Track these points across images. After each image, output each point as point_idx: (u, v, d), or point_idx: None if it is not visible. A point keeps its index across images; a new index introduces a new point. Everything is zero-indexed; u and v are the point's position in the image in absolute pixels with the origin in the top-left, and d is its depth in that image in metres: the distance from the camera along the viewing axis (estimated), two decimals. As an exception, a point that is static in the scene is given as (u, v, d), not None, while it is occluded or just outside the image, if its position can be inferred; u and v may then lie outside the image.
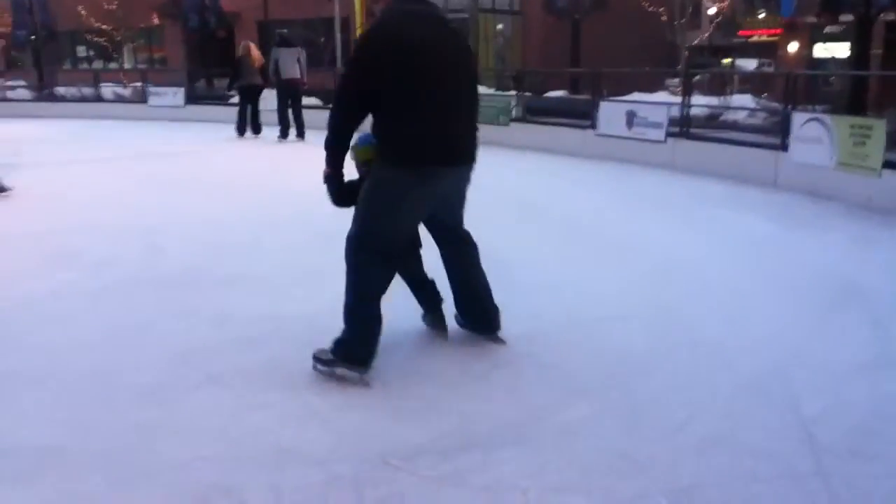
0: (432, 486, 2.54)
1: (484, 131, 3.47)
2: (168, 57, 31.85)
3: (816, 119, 7.93)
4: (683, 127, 10.14)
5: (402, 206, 3.26)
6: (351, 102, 3.21)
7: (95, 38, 30.10)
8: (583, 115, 11.87)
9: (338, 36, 22.74)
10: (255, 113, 14.30)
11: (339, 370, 3.31)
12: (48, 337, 3.86)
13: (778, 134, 8.94)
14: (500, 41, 27.48)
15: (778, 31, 30.04)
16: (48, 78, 26.45)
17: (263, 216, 7.00)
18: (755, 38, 30.36)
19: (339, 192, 3.41)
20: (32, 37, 28.18)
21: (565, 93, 19.30)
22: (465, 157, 3.40)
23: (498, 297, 3.78)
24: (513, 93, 14.09)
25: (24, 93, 23.95)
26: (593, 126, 11.15)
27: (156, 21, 29.51)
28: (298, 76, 13.61)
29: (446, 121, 3.23)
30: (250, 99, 14.23)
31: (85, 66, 33.56)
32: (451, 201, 3.59)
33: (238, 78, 14.05)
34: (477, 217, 3.92)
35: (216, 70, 25.63)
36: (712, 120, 13.99)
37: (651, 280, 4.92)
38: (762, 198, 7.83)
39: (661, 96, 14.62)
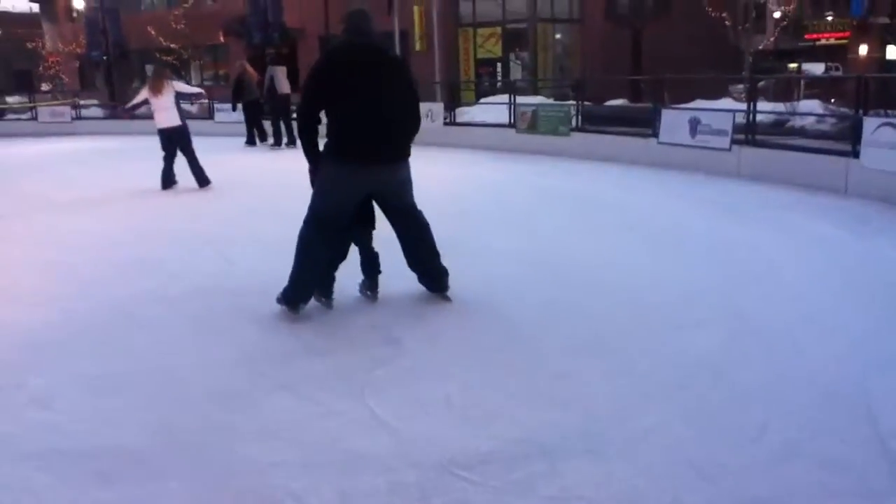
0: (497, 495, 2.56)
1: (544, 141, 3.58)
2: (233, 73, 32.68)
3: (890, 124, 7.68)
4: (749, 134, 9.93)
5: (331, 190, 4.25)
6: (302, 116, 4.22)
7: (164, 57, 31.13)
8: (644, 124, 11.74)
9: (397, 49, 22.99)
10: (261, 124, 15.65)
11: (286, 308, 4.36)
12: (131, 341, 4.05)
13: (848, 140, 8.70)
14: (559, 50, 27.38)
15: (847, 33, 29.18)
16: (120, 96, 27.46)
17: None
18: (822, 42, 29.54)
19: (313, 178, 4.38)
20: (105, 56, 29.31)
21: (626, 101, 19.10)
22: (386, 158, 4.27)
23: (564, 300, 3.79)
24: (572, 102, 14.04)
25: (97, 111, 24.93)
26: (655, 134, 11.02)
27: (221, 39, 30.35)
28: (289, 92, 15.12)
29: (369, 129, 4.12)
30: (256, 112, 15.54)
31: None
32: (390, 189, 4.44)
33: (241, 95, 15.36)
34: (551, 224, 3.91)
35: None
36: (779, 126, 13.67)
37: (722, 286, 4.86)
38: (833, 204, 7.63)
39: (724, 103, 14.34)
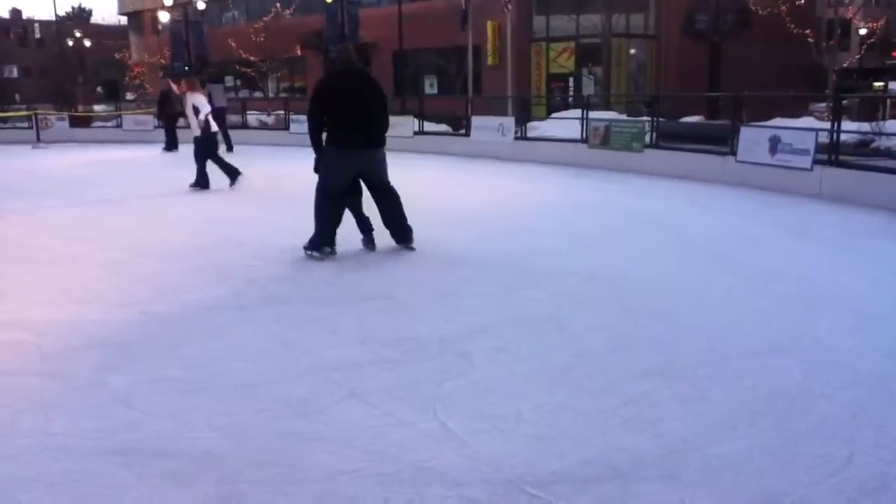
0: (569, 515, 2.51)
1: (617, 157, 3.57)
2: (309, 86, 33.40)
3: None
4: (832, 154, 9.59)
5: (334, 169, 6.17)
6: (311, 119, 6.09)
7: (243, 69, 32.02)
8: (721, 141, 11.48)
9: (469, 64, 23.11)
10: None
11: (314, 253, 6.22)
12: (207, 347, 4.14)
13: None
14: (633, 65, 27.05)
15: (937, 52, 27.96)
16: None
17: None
18: (911, 60, 28.42)
19: (317, 164, 6.24)
20: (186, 67, 30.34)
21: (702, 118, 18.72)
22: (369, 145, 6.17)
23: (635, 322, 3.70)
24: (646, 118, 13.84)
25: (179, 121, 25.78)
26: (733, 152, 10.75)
27: (299, 52, 31.06)
28: (226, 105, 17.99)
29: (354, 128, 6.04)
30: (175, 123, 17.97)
31: (232, 95, 35.82)
32: (371, 167, 6.30)
33: (164, 109, 18.00)
34: (622, 244, 3.84)
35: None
36: (863, 147, 13.18)
37: (801, 311, 4.69)
38: (923, 230, 7.30)
39: (806, 122, 13.92)
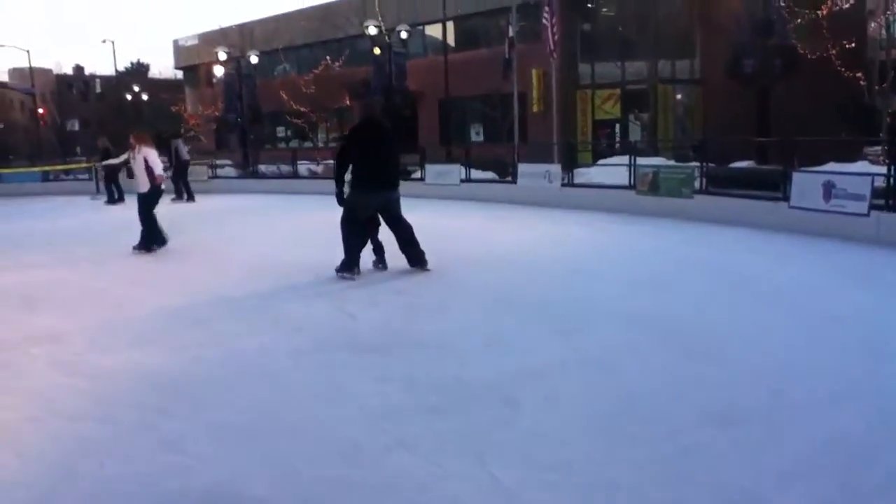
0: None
1: (666, 204, 3.53)
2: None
3: None
4: (889, 199, 9.34)
5: (360, 205, 7.35)
6: (341, 161, 7.35)
7: (294, 120, 32.78)
8: (773, 186, 11.30)
9: (515, 111, 23.31)
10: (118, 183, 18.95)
11: (346, 275, 7.32)
12: (258, 391, 4.17)
13: None
14: (680, 110, 26.95)
15: None
16: (252, 157, 29.09)
17: (448, 280, 7.20)
18: (969, 101, 27.70)
19: (339, 198, 7.41)
20: (239, 119, 31.19)
21: (752, 163, 18.48)
22: (388, 186, 7.44)
23: (689, 369, 3.61)
24: (695, 163, 13.72)
25: (231, 171, 26.49)
26: (786, 198, 10.56)
27: (347, 102, 31.73)
28: (189, 158, 19.73)
29: (378, 170, 7.26)
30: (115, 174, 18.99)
31: (283, 145, 36.63)
32: (389, 205, 7.50)
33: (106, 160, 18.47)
34: (674, 289, 3.78)
35: (401, 146, 27.06)
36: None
37: (865, 358, 4.53)
38: None
39: (860, 166, 13.61)
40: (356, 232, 7.44)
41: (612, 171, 15.50)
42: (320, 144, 33.94)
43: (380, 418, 3.73)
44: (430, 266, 7.59)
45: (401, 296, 6.69)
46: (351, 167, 7.26)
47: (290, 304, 6.40)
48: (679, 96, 27.05)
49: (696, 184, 12.53)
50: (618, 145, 24.41)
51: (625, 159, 15.10)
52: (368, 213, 7.46)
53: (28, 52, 43.08)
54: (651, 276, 7.45)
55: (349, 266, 7.36)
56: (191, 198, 18.67)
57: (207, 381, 4.37)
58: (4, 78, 57.51)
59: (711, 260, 8.35)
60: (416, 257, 7.60)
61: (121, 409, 3.90)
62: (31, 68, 45.21)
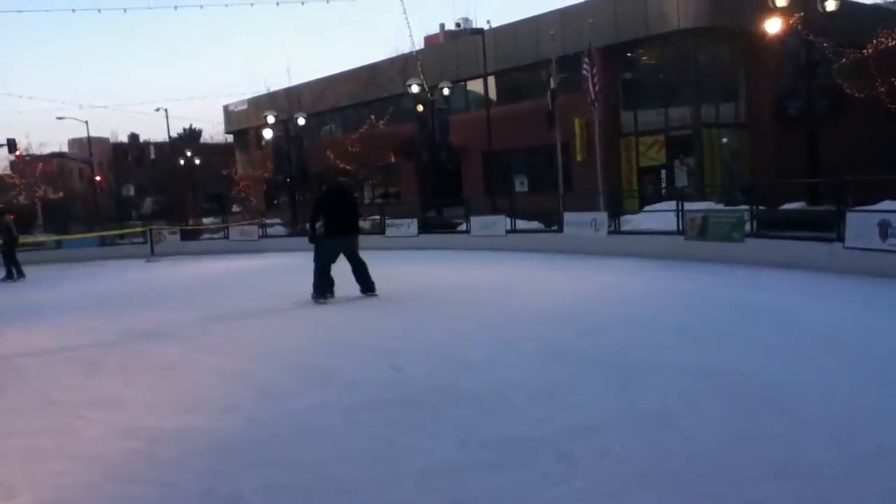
0: None
1: (716, 248, 3.47)
2: (402, 191, 34.48)
3: None
4: (950, 235, 9.07)
5: (328, 251, 10.03)
6: (313, 216, 10.39)
7: (340, 178, 33.39)
8: (826, 227, 11.06)
9: (559, 161, 23.39)
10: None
11: (320, 300, 9.93)
12: (311, 452, 4.16)
13: None
14: (726, 154, 26.69)
15: None
16: (301, 215, 29.66)
17: (496, 334, 7.16)
18: None
19: (311, 240, 10.09)
20: (288, 179, 31.93)
21: (804, 204, 18.13)
22: (348, 233, 10.15)
23: (747, 420, 3.49)
24: (745, 207, 13.53)
25: (281, 229, 27.01)
26: (840, 238, 10.31)
27: (392, 159, 32.26)
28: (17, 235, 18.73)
29: (339, 223, 10.05)
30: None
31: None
32: (349, 247, 10.06)
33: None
34: (729, 337, 3.69)
35: (446, 200, 27.34)
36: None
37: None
38: None
39: (917, 203, 13.26)
40: (324, 269, 10.02)
41: (659, 217, 15.39)
42: (366, 201, 34.42)
43: (431, 476, 3.69)
44: (377, 292, 10.08)
45: (450, 349, 6.67)
46: (322, 219, 10.14)
47: (339, 360, 6.43)
48: (725, 140, 26.85)
49: (747, 227, 12.34)
50: (664, 191, 24.24)
51: (672, 205, 14.98)
52: (335, 253, 10.06)
53: (86, 122, 44.87)
54: (705, 323, 7.30)
55: (317, 294, 9.97)
56: (21, 275, 17.62)
57: (260, 441, 4.38)
58: (64, 148, 60.05)
59: (766, 305, 8.17)
60: (366, 286, 10.13)
61: (177, 473, 3.93)
62: (88, 138, 47.13)
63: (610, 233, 15.36)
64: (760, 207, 13.03)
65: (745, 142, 26.28)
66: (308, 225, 10.19)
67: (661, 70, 26.99)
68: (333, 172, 26.25)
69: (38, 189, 48.44)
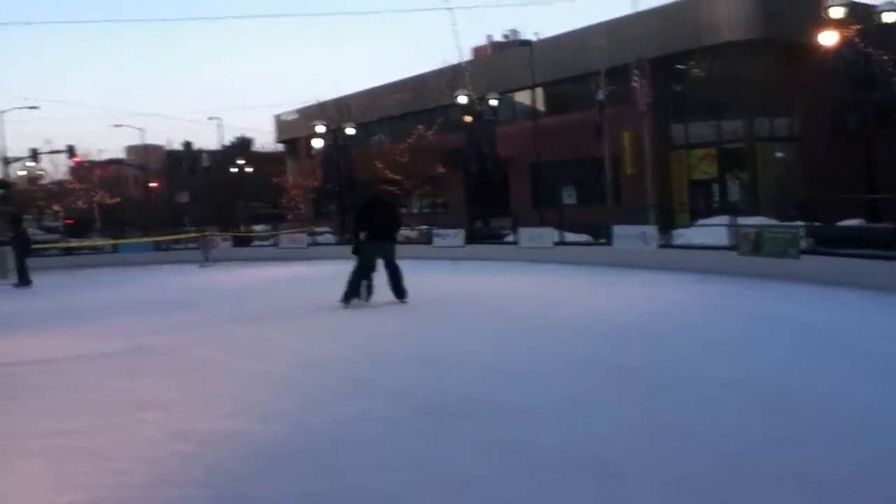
0: None
1: (770, 264, 3.43)
2: (449, 201, 34.55)
3: None
4: None
5: (370, 254, 10.54)
6: (357, 224, 10.94)
7: (388, 188, 33.62)
8: (886, 245, 10.73)
9: (607, 174, 23.18)
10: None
11: (347, 304, 10.36)
12: (353, 458, 4.18)
13: None
14: (780, 168, 26.13)
15: None
16: (349, 224, 29.94)
17: (540, 345, 7.11)
18: None
19: (354, 251, 10.64)
20: (336, 188, 32.28)
21: (862, 220, 17.64)
22: (388, 240, 10.66)
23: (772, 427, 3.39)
24: (801, 223, 13.21)
25: (330, 237, 27.28)
26: (900, 256, 10.00)
27: (440, 170, 32.37)
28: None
29: (381, 228, 10.63)
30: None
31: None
32: (388, 254, 10.50)
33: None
34: (781, 354, 3.61)
35: (493, 211, 27.32)
36: None
37: None
38: None
39: (982, 220, 12.81)
40: (361, 275, 10.50)
41: (711, 231, 15.12)
42: (414, 211, 34.59)
43: (469, 485, 3.68)
44: (407, 300, 10.48)
45: (493, 360, 6.65)
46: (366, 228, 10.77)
47: (381, 369, 6.47)
48: (779, 154, 26.30)
49: (802, 243, 12.04)
50: (716, 205, 23.84)
51: (724, 219, 14.71)
52: (375, 258, 10.57)
53: (142, 130, 46.18)
54: (757, 340, 7.15)
55: (347, 297, 10.40)
56: (27, 282, 17.46)
57: (305, 447, 4.41)
58: (122, 155, 61.70)
59: (821, 323, 7.95)
60: (398, 292, 10.52)
61: (225, 477, 3.97)
62: (144, 146, 48.34)
63: (660, 247, 15.15)
64: (816, 223, 12.69)
65: (799, 156, 25.72)
66: (351, 234, 10.61)
67: (712, 82, 26.57)
68: (374, 184, 26.63)
69: (95, 194, 49.83)
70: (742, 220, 13.93)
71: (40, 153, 41.85)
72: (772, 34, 23.99)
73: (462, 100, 26.79)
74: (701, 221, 18.00)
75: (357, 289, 10.42)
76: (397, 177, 32.46)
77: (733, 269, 12.70)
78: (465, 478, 3.77)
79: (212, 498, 3.70)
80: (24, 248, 17.98)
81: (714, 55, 25.35)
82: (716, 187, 26.16)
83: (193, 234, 27.54)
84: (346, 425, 4.84)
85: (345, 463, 4.10)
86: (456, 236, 21.02)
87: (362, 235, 10.59)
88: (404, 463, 4.06)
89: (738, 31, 24.06)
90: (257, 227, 33.21)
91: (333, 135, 31.64)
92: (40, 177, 52.30)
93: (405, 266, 17.26)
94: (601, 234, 17.93)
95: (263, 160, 53.94)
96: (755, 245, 12.62)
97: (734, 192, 25.45)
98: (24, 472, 4.09)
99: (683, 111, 26.58)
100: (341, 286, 11.23)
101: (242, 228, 32.10)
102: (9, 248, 19.18)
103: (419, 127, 33.21)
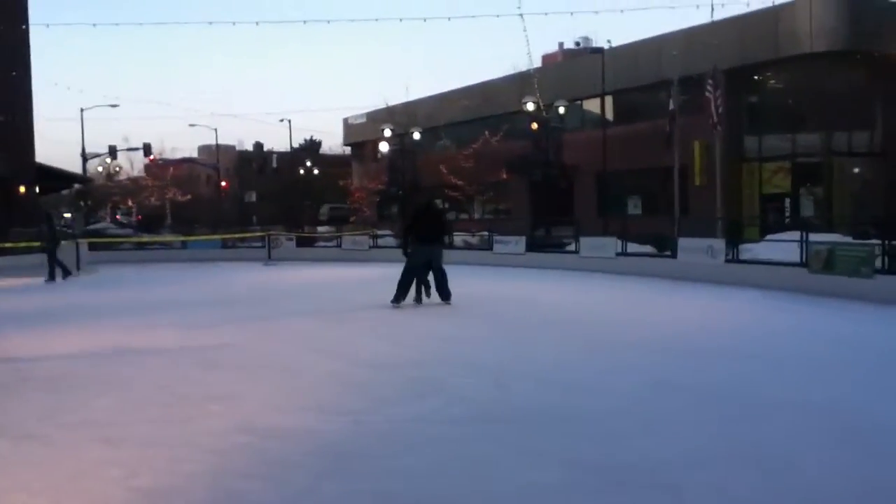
0: None
1: (842, 284, 3.30)
2: (512, 208, 34.48)
3: None
4: None
5: (417, 256, 11.10)
6: (407, 231, 11.71)
7: (451, 193, 33.76)
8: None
9: (675, 184, 22.77)
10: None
11: (398, 305, 10.96)
12: (415, 460, 4.20)
13: None
14: (857, 185, 25.24)
15: None
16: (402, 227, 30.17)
17: (604, 358, 7.04)
18: None
19: (404, 250, 11.23)
20: (400, 192, 32.59)
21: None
22: (436, 244, 11.37)
23: (877, 469, 3.26)
24: (876, 241, 12.73)
25: (391, 240, 27.52)
26: (985, 279, 9.55)
27: (504, 176, 32.33)
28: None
29: (430, 233, 11.29)
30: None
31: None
32: (435, 256, 11.18)
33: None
34: (850, 378, 3.49)
35: (556, 219, 27.14)
36: None
37: None
38: None
39: None
40: (410, 277, 11.07)
41: (782, 247, 14.70)
42: (476, 216, 34.63)
43: (532, 495, 3.65)
44: (451, 301, 11.15)
45: (554, 370, 6.61)
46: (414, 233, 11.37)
47: (444, 372, 6.49)
48: (857, 170, 25.43)
49: (878, 262, 11.61)
50: (788, 220, 23.19)
51: (796, 235, 14.29)
52: (423, 261, 11.09)
53: (215, 130, 47.36)
54: (828, 362, 6.92)
55: (397, 299, 10.96)
56: (67, 272, 17.71)
57: (367, 446, 4.46)
58: (195, 154, 63.51)
59: (890, 348, 7.65)
60: (443, 294, 11.20)
61: (287, 471, 4.05)
62: (217, 145, 49.66)
63: (727, 261, 14.80)
64: (894, 243, 12.22)
65: (878, 172, 24.81)
66: (403, 239, 11.48)
67: (789, 94, 25.89)
68: (428, 192, 26.86)
69: (168, 192, 51.42)
70: (814, 237, 13.49)
71: (118, 150, 43.44)
72: (856, 45, 23.24)
73: (529, 106, 26.70)
74: (771, 236, 17.52)
75: (406, 290, 11.02)
76: (460, 182, 32.54)
77: (803, 286, 12.32)
78: (528, 489, 3.75)
79: (273, 491, 3.77)
80: (55, 244, 17.92)
81: (793, 66, 24.68)
82: (788, 202, 25.43)
83: (259, 233, 28.16)
84: (408, 426, 4.88)
85: (407, 464, 4.13)
86: (517, 243, 20.97)
87: (411, 239, 11.26)
88: (466, 469, 4.06)
89: (821, 42, 23.37)
90: (321, 229, 33.75)
91: (400, 139, 31.93)
92: (117, 173, 54.33)
93: (465, 271, 17.36)
94: (666, 246, 17.64)
95: (331, 162, 54.82)
96: (827, 262, 12.22)
97: (807, 208, 24.71)
98: (98, 458, 4.25)
99: (758, 123, 25.96)
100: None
101: (307, 229, 32.66)
102: (76, 243, 19.95)
103: (485, 133, 33.24)
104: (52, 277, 17.25)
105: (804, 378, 6.20)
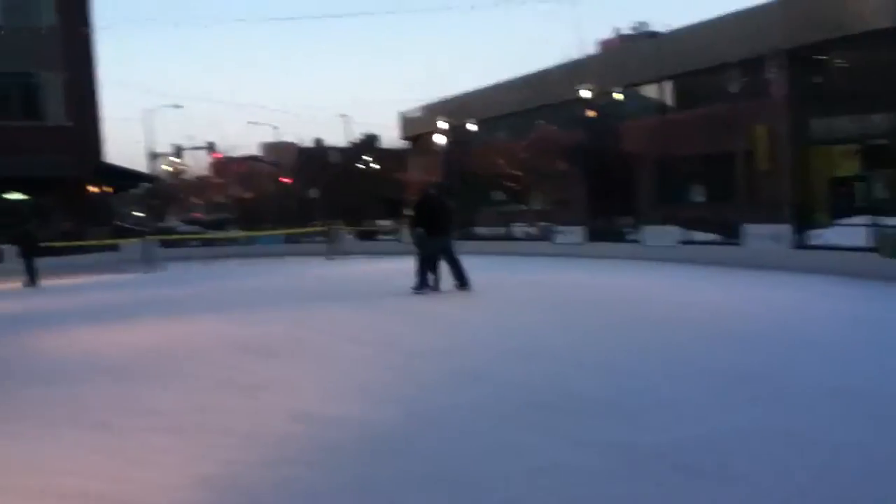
0: None
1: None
2: (570, 198, 34.14)
3: None
4: None
5: (428, 245, 11.52)
6: (415, 222, 11.87)
7: (509, 183, 33.61)
8: None
9: (739, 170, 22.18)
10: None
11: (420, 292, 11.40)
12: (456, 446, 4.24)
13: None
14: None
15: None
16: (467, 219, 30.17)
17: (645, 343, 6.94)
18: None
19: (416, 240, 11.71)
20: (451, 185, 32.60)
21: None
22: (445, 234, 11.60)
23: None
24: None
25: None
26: None
27: (561, 166, 32.02)
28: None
29: (440, 224, 11.52)
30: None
31: (499, 208, 37.60)
32: (447, 245, 11.57)
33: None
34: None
35: (615, 208, 26.77)
36: None
37: None
38: None
39: None
40: (426, 265, 11.50)
41: (852, 232, 14.19)
42: (535, 208, 34.40)
43: (542, 476, 3.67)
44: (470, 287, 11.42)
45: (606, 357, 6.53)
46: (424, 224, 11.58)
47: (495, 361, 6.50)
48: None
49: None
50: (858, 204, 22.36)
51: (865, 220, 13.78)
52: (435, 250, 11.45)
53: (276, 128, 48.28)
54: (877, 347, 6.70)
55: (419, 288, 11.43)
56: (32, 283, 17.26)
57: (415, 434, 4.50)
58: (257, 151, 64.75)
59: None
60: (461, 281, 11.50)
61: (336, 458, 4.11)
62: (278, 143, 50.53)
63: (795, 247, 14.37)
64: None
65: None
66: (413, 229, 11.89)
67: (857, 74, 24.88)
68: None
69: (234, 188, 52.60)
70: (886, 222, 12.99)
71: (184, 149, 44.65)
72: (925, 20, 22.18)
73: (585, 94, 26.36)
74: (841, 222, 16.94)
75: (425, 279, 11.50)
76: (517, 173, 32.37)
77: (874, 272, 11.88)
78: (543, 470, 3.76)
79: (324, 477, 3.83)
80: (33, 249, 17.71)
81: (860, 44, 23.71)
82: (859, 186, 24.51)
83: (320, 228, 28.56)
84: (458, 413, 4.89)
85: (455, 451, 4.15)
86: (576, 233, 20.77)
87: (420, 230, 11.54)
88: (497, 455, 4.05)
89: (889, 17, 22.38)
90: (381, 223, 34.05)
91: (455, 131, 31.94)
92: (183, 171, 55.81)
93: (523, 263, 17.40)
94: (730, 234, 17.22)
95: (389, 156, 55.20)
96: (898, 247, 11.76)
97: (879, 191, 23.77)
98: (157, 447, 4.39)
99: (825, 105, 25.02)
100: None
101: (367, 223, 33.00)
102: (152, 241, 20.43)
103: (541, 122, 32.94)
104: (32, 283, 17.17)
105: (861, 367, 5.98)
